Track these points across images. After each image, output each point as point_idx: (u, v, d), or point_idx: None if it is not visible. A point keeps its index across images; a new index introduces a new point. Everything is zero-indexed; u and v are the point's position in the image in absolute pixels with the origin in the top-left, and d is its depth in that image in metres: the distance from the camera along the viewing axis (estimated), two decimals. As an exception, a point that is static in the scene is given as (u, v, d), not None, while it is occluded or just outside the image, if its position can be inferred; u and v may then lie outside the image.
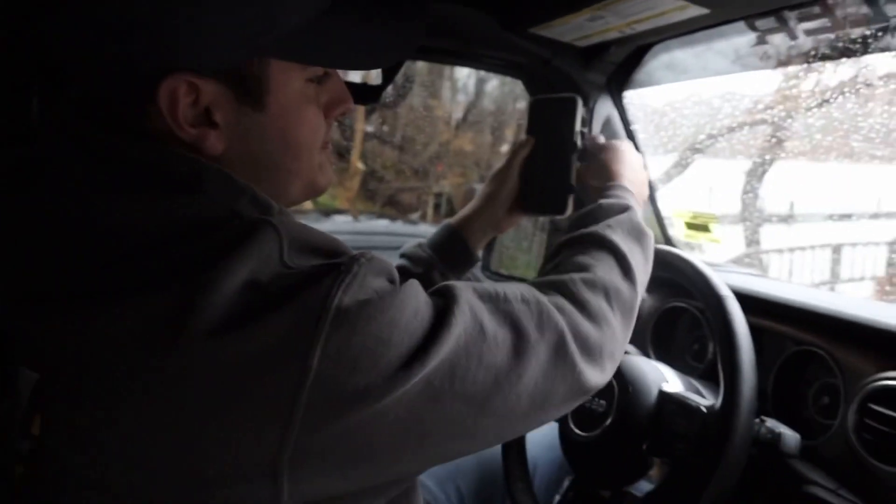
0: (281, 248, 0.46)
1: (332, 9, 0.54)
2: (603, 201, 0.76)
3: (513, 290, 0.57)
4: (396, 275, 0.50)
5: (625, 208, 0.75)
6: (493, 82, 6.11)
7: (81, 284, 0.45)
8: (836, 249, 5.03)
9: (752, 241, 5.01)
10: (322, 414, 0.42)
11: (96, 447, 0.43)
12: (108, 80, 0.49)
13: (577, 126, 0.85)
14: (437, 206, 6.18)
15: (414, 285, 0.50)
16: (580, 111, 0.86)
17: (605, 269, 0.66)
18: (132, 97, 0.49)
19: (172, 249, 0.45)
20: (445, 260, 0.90)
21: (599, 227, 0.71)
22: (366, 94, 1.13)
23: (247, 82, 0.51)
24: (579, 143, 0.86)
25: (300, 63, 0.54)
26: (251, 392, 0.41)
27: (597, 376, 0.59)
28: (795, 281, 4.90)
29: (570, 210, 0.86)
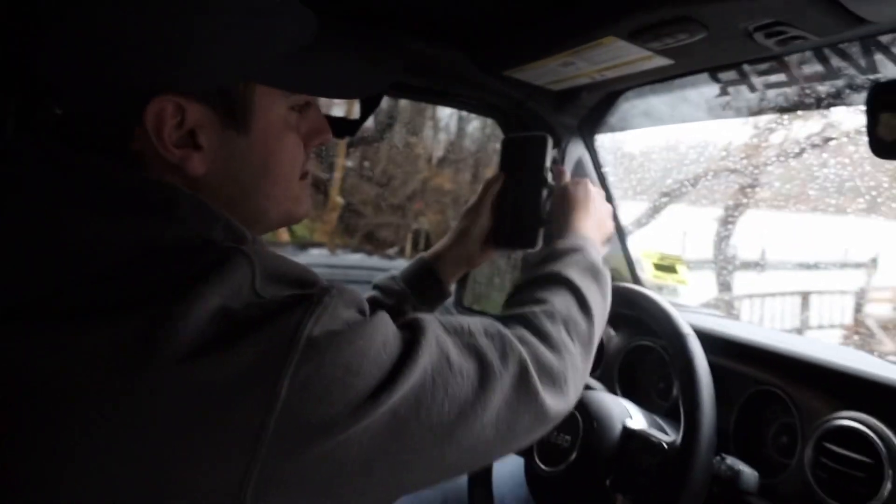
0: (253, 276, 0.46)
1: (317, 41, 0.57)
2: (556, 245, 0.78)
3: (477, 324, 0.59)
4: (366, 306, 0.52)
5: (579, 249, 0.76)
6: (475, 123, 6.23)
7: (49, 303, 0.44)
8: (805, 297, 5.16)
9: (724, 286, 5.11)
10: (289, 444, 0.43)
11: (54, 473, 0.41)
12: (96, 99, 0.50)
13: (548, 163, 0.88)
14: (415, 243, 6.21)
15: (383, 317, 0.51)
16: (550, 149, 0.89)
17: (562, 302, 0.68)
18: (119, 117, 0.50)
19: (144, 273, 0.45)
20: (418, 293, 0.91)
21: (555, 266, 0.73)
22: (344, 128, 1.16)
23: (232, 106, 0.53)
24: (549, 179, 0.89)
25: (285, 90, 0.56)
26: (218, 420, 0.41)
27: (559, 404, 0.61)
28: (765, 326, 4.99)
29: (540, 244, 0.88)
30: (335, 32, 0.61)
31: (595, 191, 0.89)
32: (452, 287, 0.95)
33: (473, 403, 0.52)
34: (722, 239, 5.03)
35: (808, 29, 0.68)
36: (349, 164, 5.78)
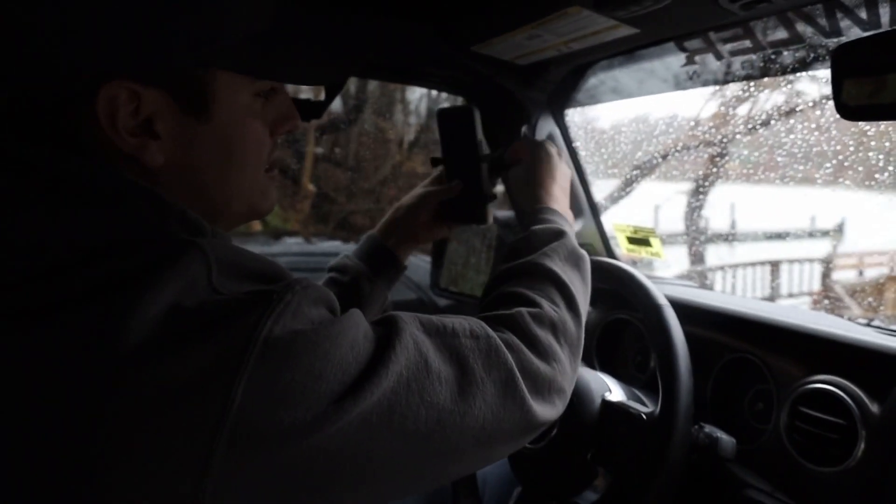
0: (209, 271, 0.44)
1: (280, 25, 0.54)
2: (536, 228, 0.75)
3: (462, 324, 0.55)
4: (336, 304, 0.49)
5: (559, 233, 0.74)
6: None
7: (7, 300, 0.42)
8: (775, 266, 5.27)
9: (697, 258, 5.19)
10: (245, 451, 0.40)
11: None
12: (42, 85, 0.46)
13: (478, 135, 0.88)
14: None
15: (355, 315, 0.49)
16: (478, 120, 0.88)
17: (550, 301, 0.65)
18: (68, 104, 0.47)
19: (92, 269, 0.42)
20: (373, 268, 0.90)
21: (537, 257, 0.70)
22: (309, 111, 1.13)
23: (192, 92, 0.50)
24: (484, 151, 0.88)
25: (249, 75, 0.53)
26: (169, 424, 0.39)
27: (547, 412, 0.58)
28: (738, 295, 5.10)
29: (490, 220, 0.88)
30: (299, 15, 0.58)
31: (555, 151, 0.89)
32: (406, 261, 0.95)
33: (452, 411, 0.50)
34: (693, 212, 5.09)
35: (772, -10, 0.67)
36: (319, 150, 5.71)
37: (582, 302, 0.70)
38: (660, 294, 0.88)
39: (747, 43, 0.88)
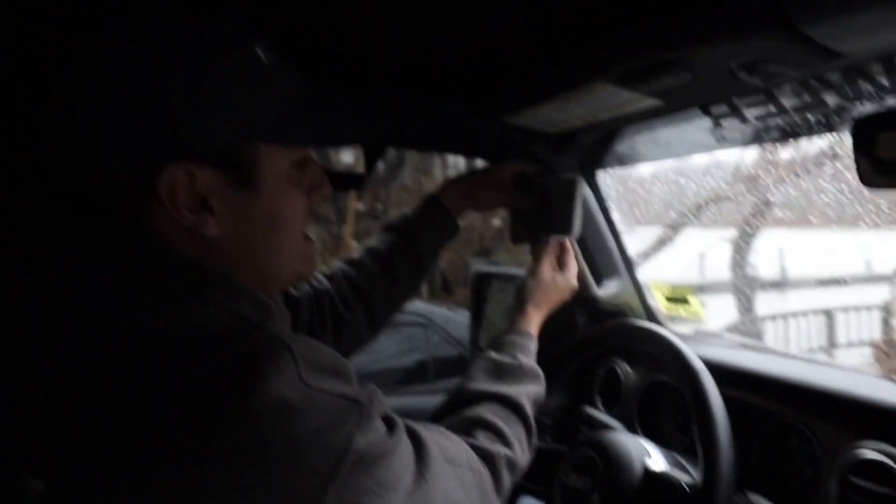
0: (297, 366, 0.48)
1: (312, 98, 0.60)
2: (521, 358, 0.86)
3: (464, 456, 0.65)
4: (391, 411, 0.56)
5: (536, 376, 0.86)
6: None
7: (96, 390, 0.46)
8: (830, 314, 5.06)
9: (745, 308, 5.02)
10: None
11: None
12: (111, 175, 0.52)
13: (577, 212, 1.02)
14: (430, 282, 6.22)
15: (400, 435, 0.55)
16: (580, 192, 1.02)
17: (519, 444, 0.76)
18: (134, 189, 0.52)
19: (189, 358, 0.47)
20: (427, 226, 0.99)
21: (518, 395, 0.80)
22: (350, 182, 1.19)
23: (239, 167, 0.55)
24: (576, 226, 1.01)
25: (287, 144, 0.59)
26: None
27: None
28: (791, 347, 4.89)
29: (576, 230, 1.03)
30: (330, 89, 0.64)
31: (551, 275, 1.01)
32: (460, 222, 1.04)
33: None
34: (739, 260, 4.97)
35: (787, 64, 0.69)
36: (360, 206, 5.85)
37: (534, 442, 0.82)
38: (695, 358, 0.87)
39: (771, 108, 0.89)
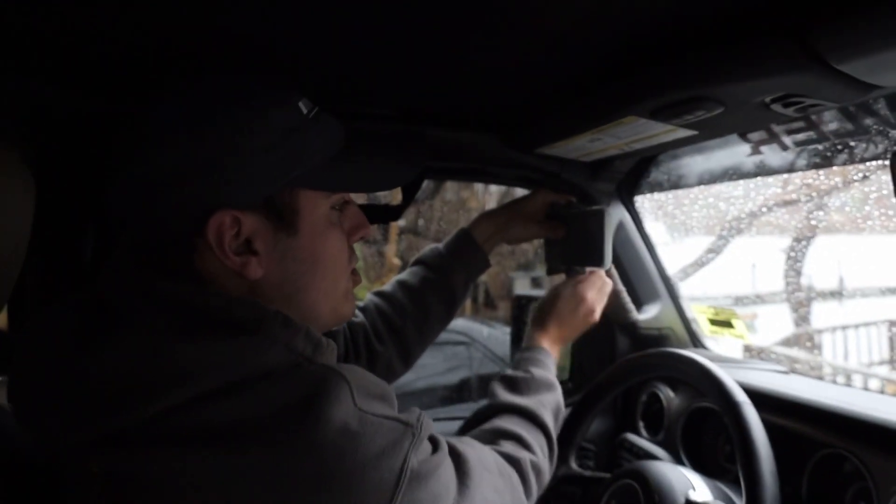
0: (352, 393, 0.52)
1: (350, 143, 0.64)
2: (535, 371, 0.90)
3: (493, 464, 0.70)
4: (434, 430, 0.60)
5: (552, 386, 0.91)
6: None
7: (156, 427, 0.49)
8: (893, 325, 4.82)
9: (801, 319, 4.83)
10: None
11: None
12: (163, 222, 0.56)
13: (608, 242, 1.02)
14: (474, 297, 6.23)
15: (444, 451, 0.60)
16: (612, 223, 1.03)
17: (541, 450, 0.81)
18: (184, 235, 0.56)
19: (254, 395, 0.50)
20: (459, 261, 1.00)
21: (537, 406, 0.85)
22: (388, 214, 1.23)
23: (281, 212, 0.59)
24: (608, 257, 1.01)
25: (325, 190, 0.62)
26: None
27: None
28: (851, 360, 4.67)
29: (608, 263, 1.02)
30: (366, 133, 0.68)
31: (582, 289, 1.02)
32: (489, 255, 1.05)
33: None
34: (793, 269, 4.79)
35: (822, 97, 0.69)
36: (402, 223, 5.91)
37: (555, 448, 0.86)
38: (738, 389, 0.86)
39: (812, 134, 0.88)
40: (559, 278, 1.11)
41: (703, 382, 0.91)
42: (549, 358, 0.94)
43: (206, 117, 0.55)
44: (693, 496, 0.87)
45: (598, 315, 1.02)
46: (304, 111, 0.61)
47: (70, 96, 0.73)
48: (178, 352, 0.51)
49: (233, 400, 0.50)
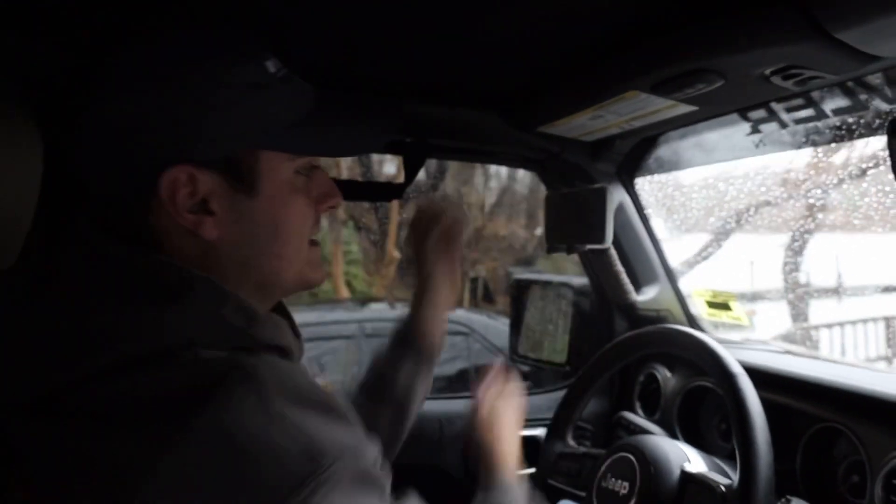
0: (261, 395, 0.47)
1: (317, 111, 0.62)
2: None
3: None
4: (385, 473, 0.53)
5: None
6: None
7: (65, 399, 0.48)
8: (889, 322, 4.84)
9: (799, 315, 4.84)
10: None
11: None
12: (118, 178, 0.55)
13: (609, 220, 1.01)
14: (472, 291, 6.25)
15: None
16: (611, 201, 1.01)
17: None
18: (138, 191, 0.55)
19: (150, 370, 0.48)
20: (407, 353, 0.89)
21: None
22: (390, 192, 1.23)
23: (241, 171, 0.56)
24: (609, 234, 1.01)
25: (289, 153, 0.59)
26: None
27: None
28: (847, 356, 4.69)
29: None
30: (336, 99, 0.65)
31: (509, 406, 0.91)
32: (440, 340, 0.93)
33: None
34: (791, 266, 4.81)
35: (822, 69, 0.70)
36: (403, 216, 5.92)
37: None
38: (733, 361, 0.87)
39: (811, 111, 0.89)
40: (557, 266, 1.10)
41: (698, 355, 0.92)
42: (509, 491, 0.83)
43: (167, 69, 0.54)
44: (688, 468, 0.89)
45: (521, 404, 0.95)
46: (272, 70, 0.58)
47: (51, 52, 0.71)
48: (94, 319, 0.50)
49: (134, 377, 0.48)
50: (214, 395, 0.46)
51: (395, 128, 0.70)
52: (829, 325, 4.93)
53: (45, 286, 0.54)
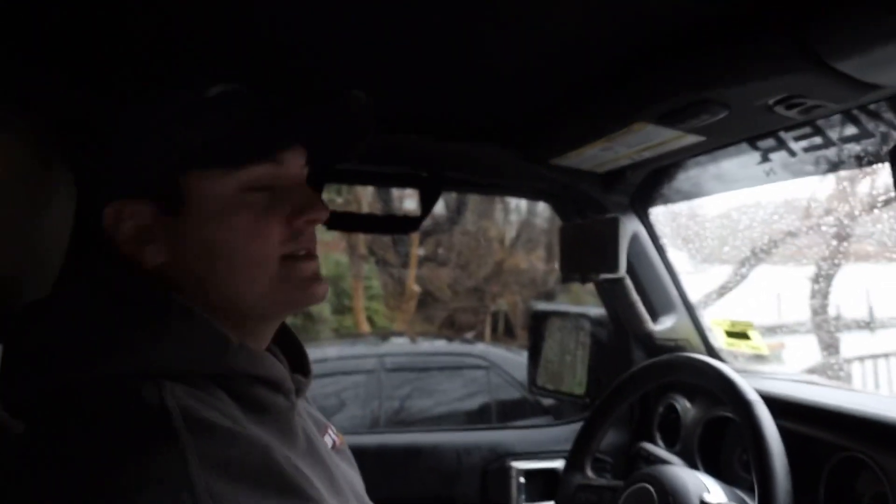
0: (187, 462, 0.44)
1: (240, 117, 0.59)
2: None
3: None
4: None
5: None
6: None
7: (47, 406, 0.50)
8: (927, 356, 4.68)
9: (829, 348, 4.72)
10: None
11: None
12: (85, 214, 0.60)
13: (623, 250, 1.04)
14: (494, 325, 6.22)
15: None
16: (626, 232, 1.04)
17: None
18: (97, 227, 0.57)
19: (92, 403, 0.49)
20: None
21: None
22: (406, 225, 1.26)
23: (166, 195, 0.56)
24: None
25: (218, 168, 0.56)
26: None
27: None
28: (881, 391, 4.54)
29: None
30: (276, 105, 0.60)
31: None
32: None
33: None
34: (820, 298, 4.70)
35: (823, 99, 0.71)
36: (422, 252, 5.96)
37: None
38: (749, 388, 0.87)
39: (818, 139, 0.90)
40: (577, 298, 1.11)
41: (714, 382, 0.91)
42: None
43: (108, 115, 0.59)
44: (707, 498, 0.87)
45: None
46: (207, 93, 0.57)
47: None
48: (67, 335, 0.52)
49: (86, 399, 0.49)
50: (136, 448, 0.45)
51: (324, 128, 0.62)
52: (862, 359, 4.79)
53: (45, 300, 0.57)
